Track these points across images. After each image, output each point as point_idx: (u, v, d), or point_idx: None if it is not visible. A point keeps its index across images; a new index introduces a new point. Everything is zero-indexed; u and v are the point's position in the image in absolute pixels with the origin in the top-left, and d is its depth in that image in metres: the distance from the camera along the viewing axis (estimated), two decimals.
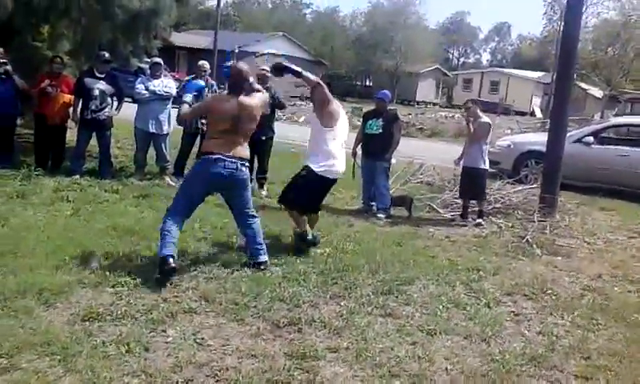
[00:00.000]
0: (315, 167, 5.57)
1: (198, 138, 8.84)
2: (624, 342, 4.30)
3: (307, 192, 5.67)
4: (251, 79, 5.14)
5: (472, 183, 7.77)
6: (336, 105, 5.69)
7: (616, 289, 5.59)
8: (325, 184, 5.74)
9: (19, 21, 8.58)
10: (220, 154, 4.89)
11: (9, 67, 8.01)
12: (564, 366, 3.82)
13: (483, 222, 7.62)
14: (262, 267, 5.09)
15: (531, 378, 3.64)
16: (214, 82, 9.12)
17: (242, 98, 4.98)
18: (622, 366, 3.89)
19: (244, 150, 5.06)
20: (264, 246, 5.23)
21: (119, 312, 3.98)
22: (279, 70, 5.75)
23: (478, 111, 7.92)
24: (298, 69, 5.64)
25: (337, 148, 5.63)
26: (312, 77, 5.71)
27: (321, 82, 5.68)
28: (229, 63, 5.49)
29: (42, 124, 8.29)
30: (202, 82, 6.19)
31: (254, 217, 5.25)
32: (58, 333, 3.59)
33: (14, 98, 8.13)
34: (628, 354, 4.07)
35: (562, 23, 9.48)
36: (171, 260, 4.60)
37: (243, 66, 5.19)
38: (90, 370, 3.20)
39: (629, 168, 10.71)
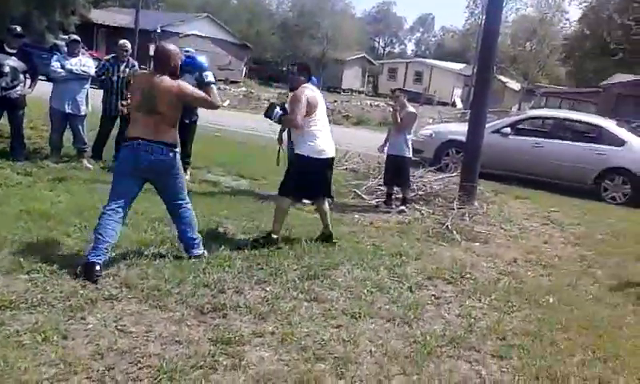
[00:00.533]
0: (303, 152, 5.58)
1: (118, 121, 8.56)
2: (537, 322, 4.52)
3: (302, 178, 5.63)
4: (176, 63, 4.75)
5: (397, 171, 7.92)
6: (309, 94, 5.54)
7: (529, 273, 5.88)
8: (318, 166, 5.64)
9: None
10: (142, 138, 4.62)
11: None
12: (481, 347, 3.98)
13: (406, 209, 7.79)
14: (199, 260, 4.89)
15: (451, 358, 3.78)
16: (135, 63, 8.84)
17: (161, 78, 4.62)
18: (534, 344, 4.09)
19: (166, 134, 4.71)
20: (199, 238, 5.02)
21: (34, 299, 3.81)
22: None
23: (405, 101, 8.07)
24: (284, 108, 5.72)
25: (320, 130, 5.61)
26: (297, 111, 5.48)
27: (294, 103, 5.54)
28: (187, 50, 5.20)
29: None
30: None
31: (185, 207, 4.96)
32: None
33: None
34: (540, 334, 4.28)
35: (484, 17, 9.75)
36: (98, 267, 4.32)
37: (171, 47, 4.83)
38: (2, 361, 3.04)
39: (543, 158, 11.25)
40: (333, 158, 5.88)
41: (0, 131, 8.27)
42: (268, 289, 4.52)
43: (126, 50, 8.55)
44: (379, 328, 4.09)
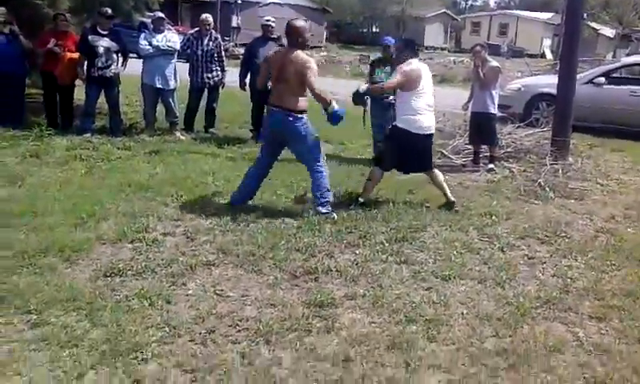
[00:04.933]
0: (403, 125, 5.69)
1: (206, 92, 8.82)
2: (638, 281, 4.33)
3: (402, 152, 5.74)
4: (304, 36, 5.25)
5: (481, 128, 7.72)
6: (413, 68, 5.67)
7: (629, 229, 5.62)
8: (417, 140, 5.71)
9: None
10: (276, 105, 5.26)
11: (15, 27, 7.97)
12: (578, 308, 3.86)
13: (495, 167, 7.60)
14: (326, 216, 5.23)
15: (546, 320, 3.70)
16: (217, 35, 9.03)
17: (295, 52, 5.18)
18: (635, 305, 3.93)
19: (292, 102, 5.18)
20: (325, 199, 5.35)
21: (139, 267, 4.07)
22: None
23: (487, 55, 7.81)
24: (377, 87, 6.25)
25: (423, 105, 5.66)
26: (392, 81, 5.80)
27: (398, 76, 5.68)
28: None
29: (51, 83, 8.28)
30: None
31: (313, 168, 5.38)
32: (82, 288, 3.68)
33: (22, 58, 8.12)
34: None
35: None
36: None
37: (299, 23, 5.34)
38: (115, 324, 3.28)
39: None
40: (432, 134, 5.92)
41: (99, 109, 8.72)
42: (358, 252, 4.58)
43: (209, 24, 8.76)
44: (470, 290, 4.06)
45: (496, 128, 7.90)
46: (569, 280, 4.31)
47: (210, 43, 8.68)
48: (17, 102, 8.26)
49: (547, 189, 6.70)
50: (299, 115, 5.23)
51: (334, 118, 5.37)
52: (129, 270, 4.01)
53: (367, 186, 5.84)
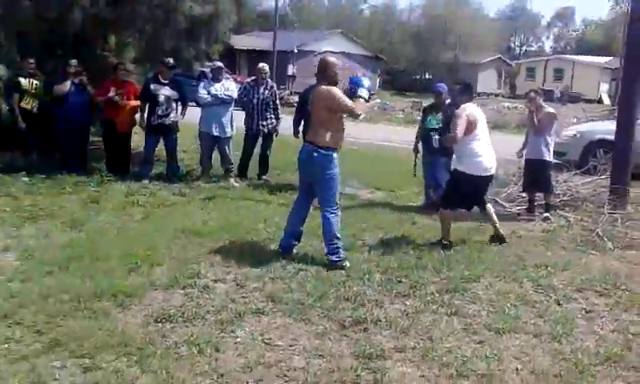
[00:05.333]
0: (460, 167, 5.96)
1: (260, 140, 9.01)
2: None
3: (464, 193, 5.99)
4: (333, 71, 5.29)
5: (536, 176, 7.58)
6: (469, 112, 5.88)
7: None
8: (479, 182, 6.01)
9: (88, 32, 8.96)
10: (307, 141, 5.39)
11: (84, 78, 8.41)
12: None
13: (551, 216, 7.41)
14: (335, 265, 5.18)
15: (607, 378, 3.52)
16: (273, 84, 9.26)
17: (319, 86, 5.31)
18: None
19: (319, 137, 5.21)
20: (336, 246, 5.28)
21: (190, 313, 4.12)
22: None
23: (541, 101, 7.72)
24: (450, 138, 5.98)
25: (481, 147, 5.93)
26: (459, 129, 5.80)
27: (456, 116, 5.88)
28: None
29: (111, 130, 8.63)
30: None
31: (326, 212, 5.32)
32: (133, 334, 3.76)
33: (89, 108, 8.51)
34: None
35: (630, 2, 9.03)
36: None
37: (329, 58, 5.44)
38: (164, 371, 3.32)
39: None
40: (493, 174, 6.14)
41: (157, 156, 9.02)
42: (408, 302, 4.52)
43: (265, 73, 9.00)
44: (525, 344, 3.93)
45: (551, 176, 7.73)
46: (630, 336, 4.11)
47: (266, 91, 8.91)
48: (82, 149, 8.64)
49: (605, 239, 6.47)
50: (324, 151, 5.19)
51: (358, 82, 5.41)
52: (179, 316, 4.07)
53: (443, 229, 6.06)
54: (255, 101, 8.84)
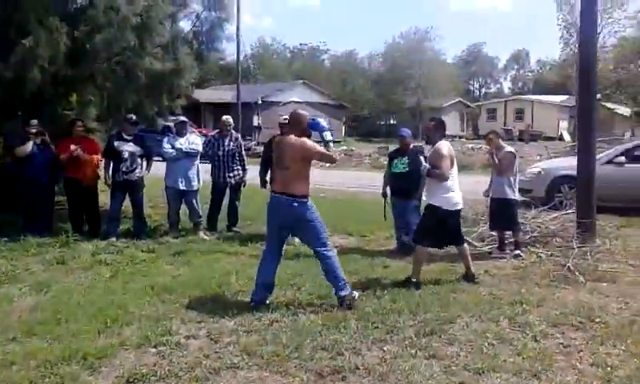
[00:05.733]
0: (438, 204, 6.10)
1: (228, 190, 8.95)
2: None
3: (438, 228, 6.12)
4: (304, 124, 5.40)
5: (501, 214, 7.69)
6: (449, 149, 6.12)
7: None
8: (452, 216, 6.16)
9: (48, 91, 8.87)
10: (277, 192, 5.33)
11: (46, 137, 8.27)
12: None
13: (522, 253, 7.48)
14: (344, 302, 5.27)
15: None
16: (238, 135, 9.25)
17: (289, 137, 5.32)
18: None
19: (295, 187, 5.25)
20: (343, 280, 5.39)
21: (163, 372, 3.99)
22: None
23: (500, 141, 7.89)
24: (441, 174, 6.07)
25: (453, 183, 6.12)
26: (445, 165, 6.03)
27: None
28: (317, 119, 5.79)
29: (75, 188, 8.44)
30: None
31: (323, 252, 5.39)
32: None
33: (51, 167, 8.34)
34: None
35: (579, 24, 9.36)
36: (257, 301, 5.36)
37: (301, 111, 5.53)
38: None
39: None
40: (461, 208, 6.35)
41: (124, 213, 8.87)
42: (385, 348, 4.45)
43: (229, 125, 9.02)
44: (505, 383, 3.89)
45: (516, 213, 7.83)
46: (609, 368, 4.11)
47: (231, 143, 8.91)
48: (45, 209, 8.42)
49: (577, 273, 6.53)
50: (304, 200, 5.28)
51: (317, 127, 5.51)
52: (152, 375, 3.94)
53: (416, 268, 6.11)
54: (221, 153, 8.81)
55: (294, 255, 7.04)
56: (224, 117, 9.30)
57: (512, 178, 7.66)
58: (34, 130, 8.21)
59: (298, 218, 5.31)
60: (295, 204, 5.23)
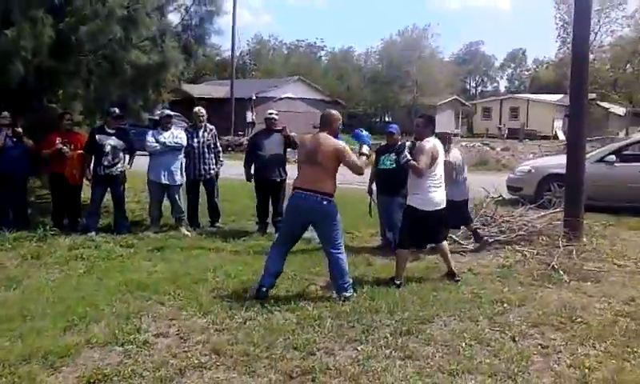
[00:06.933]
0: (413, 203, 5.98)
1: (202, 187, 8.81)
2: None
3: (417, 228, 5.98)
4: (337, 125, 5.55)
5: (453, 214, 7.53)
6: (434, 147, 5.92)
7: None
8: (431, 217, 5.95)
9: (32, 84, 8.69)
10: (301, 188, 5.36)
11: (18, 129, 8.09)
12: None
13: (480, 242, 7.66)
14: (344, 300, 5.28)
15: None
16: (212, 127, 9.08)
17: (325, 136, 5.42)
18: None
19: (325, 185, 5.33)
20: (348, 283, 5.44)
21: (126, 372, 3.86)
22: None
23: (451, 145, 7.78)
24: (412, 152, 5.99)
25: (435, 183, 5.95)
26: (423, 162, 5.84)
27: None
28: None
29: (59, 183, 8.29)
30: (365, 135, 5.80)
31: (334, 254, 5.43)
32: None
33: (23, 159, 8.15)
34: None
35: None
36: (264, 289, 5.37)
37: (334, 112, 5.67)
38: None
39: None
40: (444, 207, 6.09)
41: (105, 207, 8.72)
42: (360, 348, 4.33)
43: (202, 116, 8.87)
44: None
45: (464, 211, 7.78)
46: (587, 370, 4.00)
47: (205, 134, 8.77)
48: (17, 202, 8.24)
49: (561, 272, 6.41)
50: (332, 199, 5.36)
51: (360, 138, 5.67)
52: (115, 375, 3.81)
53: (398, 269, 5.99)
54: (195, 145, 8.66)
55: None
56: (195, 108, 9.18)
57: (459, 178, 7.62)
58: (5, 122, 8.03)
59: (325, 215, 5.38)
60: (325, 202, 5.31)
